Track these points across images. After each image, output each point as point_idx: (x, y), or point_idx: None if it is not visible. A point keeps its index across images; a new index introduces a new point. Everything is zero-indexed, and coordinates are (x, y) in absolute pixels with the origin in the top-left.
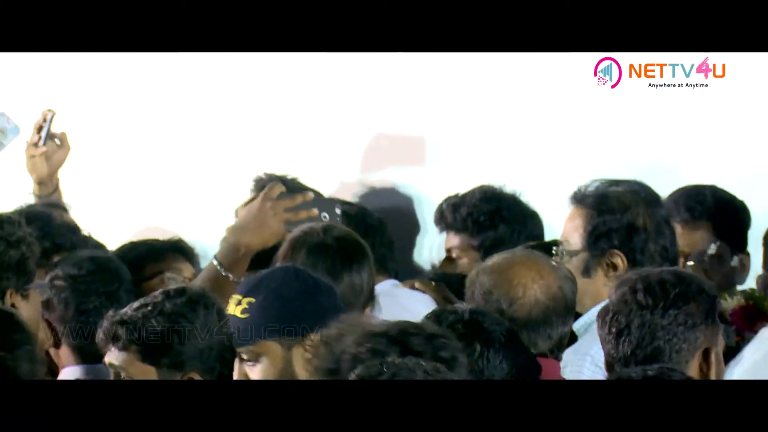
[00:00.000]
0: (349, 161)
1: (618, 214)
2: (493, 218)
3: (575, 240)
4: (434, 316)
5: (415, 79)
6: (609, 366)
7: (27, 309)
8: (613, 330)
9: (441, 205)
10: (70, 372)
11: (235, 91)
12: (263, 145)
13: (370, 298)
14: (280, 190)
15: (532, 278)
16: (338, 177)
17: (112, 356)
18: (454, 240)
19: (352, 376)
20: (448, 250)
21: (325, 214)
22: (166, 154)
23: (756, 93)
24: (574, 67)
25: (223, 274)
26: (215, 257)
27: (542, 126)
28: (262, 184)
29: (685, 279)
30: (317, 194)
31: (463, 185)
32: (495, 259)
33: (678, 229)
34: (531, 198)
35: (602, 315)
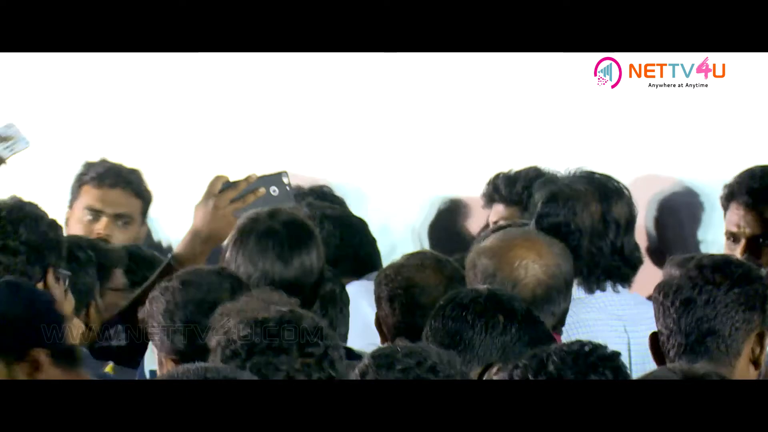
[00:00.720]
0: (343, 161)
1: (558, 208)
2: None
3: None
4: (453, 296)
5: (415, 80)
6: (663, 340)
7: (58, 290)
8: (676, 303)
9: (494, 179)
10: None
11: (220, 90)
12: (253, 145)
13: (321, 279)
14: (222, 181)
15: (533, 259)
16: (330, 176)
17: None
18: (504, 212)
19: (368, 359)
20: (495, 222)
21: (273, 188)
22: (160, 154)
23: (756, 93)
24: (574, 67)
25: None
26: (172, 255)
27: (542, 126)
28: None
29: (744, 263)
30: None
31: (463, 185)
32: (492, 240)
33: (741, 210)
34: None
35: (664, 289)
